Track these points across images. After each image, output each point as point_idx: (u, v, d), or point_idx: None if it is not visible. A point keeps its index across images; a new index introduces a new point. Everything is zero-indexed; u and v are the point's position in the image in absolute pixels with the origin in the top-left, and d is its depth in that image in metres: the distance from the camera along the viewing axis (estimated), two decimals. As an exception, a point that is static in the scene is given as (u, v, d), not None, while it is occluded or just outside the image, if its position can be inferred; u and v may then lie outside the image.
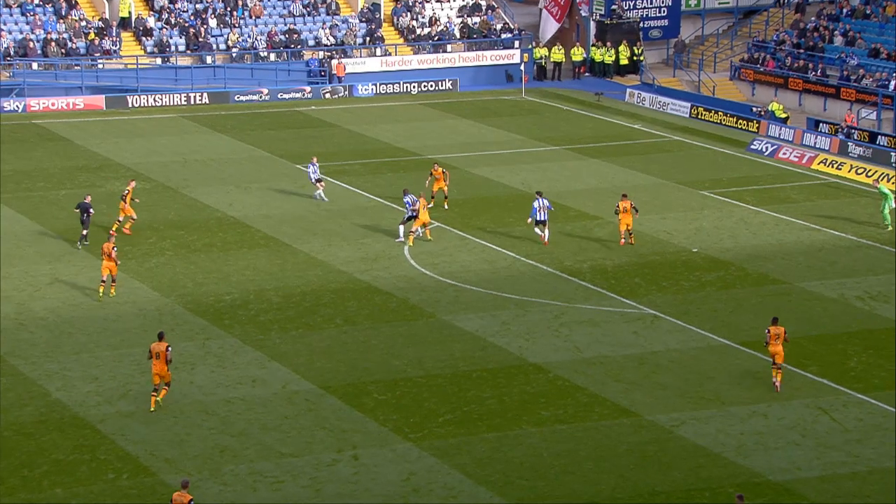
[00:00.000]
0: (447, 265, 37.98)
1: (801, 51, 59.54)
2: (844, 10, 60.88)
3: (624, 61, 65.56)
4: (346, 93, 62.78)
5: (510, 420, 27.83)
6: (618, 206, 38.86)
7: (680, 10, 67.02)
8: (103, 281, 34.43)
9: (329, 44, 64.87)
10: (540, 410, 28.29)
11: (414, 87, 63.37)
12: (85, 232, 38.42)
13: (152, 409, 27.81)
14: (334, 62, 63.62)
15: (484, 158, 50.67)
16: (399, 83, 63.30)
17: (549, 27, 67.59)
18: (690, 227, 40.96)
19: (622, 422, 27.61)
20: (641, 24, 66.32)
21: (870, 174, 46.72)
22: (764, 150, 51.08)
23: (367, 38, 65.61)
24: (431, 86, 63.59)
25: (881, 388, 28.90)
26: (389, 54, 65.01)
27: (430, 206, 41.79)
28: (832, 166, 48.19)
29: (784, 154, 50.18)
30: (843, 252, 38.55)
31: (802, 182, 46.89)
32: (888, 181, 42.04)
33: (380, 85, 63.10)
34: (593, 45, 66.31)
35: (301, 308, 34.53)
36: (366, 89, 63.00)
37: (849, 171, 47.45)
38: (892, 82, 53.68)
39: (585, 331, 32.82)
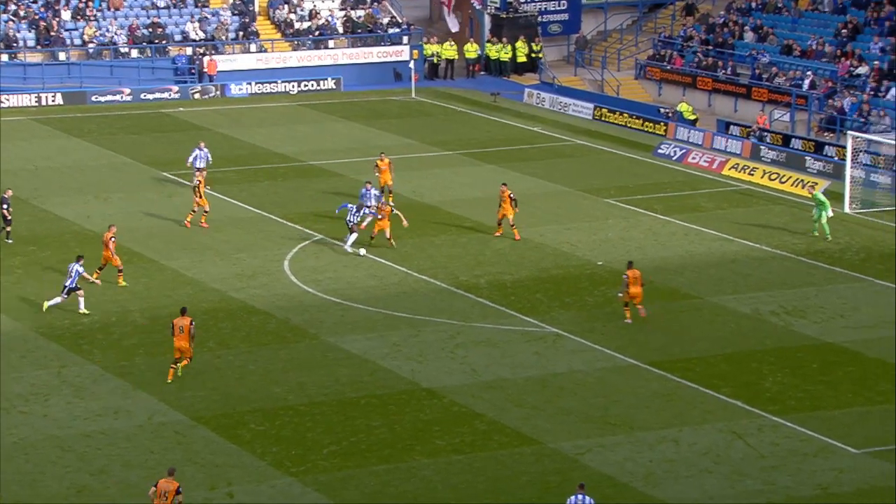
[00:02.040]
0: (332, 282, 37.84)
1: (710, 48, 60.68)
2: (755, 5, 62.25)
3: (521, 59, 66.12)
4: (218, 93, 62.27)
5: (401, 451, 27.79)
6: (501, 194, 39.65)
7: (581, 3, 67.84)
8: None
9: (198, 39, 64.29)
10: (434, 440, 28.30)
11: (293, 86, 63.12)
12: (9, 229, 40.05)
13: (170, 380, 30.26)
14: (205, 59, 63.08)
15: (371, 164, 50.65)
16: (276, 82, 62.99)
17: (452, 20, 67.79)
18: (595, 239, 41.41)
19: (523, 450, 27.75)
20: (540, 19, 66.96)
21: (783, 180, 47.77)
22: (672, 154, 51.92)
23: (241, 33, 65.19)
24: (312, 85, 63.39)
25: (798, 409, 29.51)
26: (265, 50, 64.68)
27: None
28: (744, 171, 49.17)
29: (693, 159, 51.07)
30: (757, 264, 39.33)
31: (713, 189, 47.76)
32: (815, 187, 42.86)
33: (255, 84, 62.71)
34: (488, 42, 66.76)
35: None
36: (240, 89, 62.55)
37: (761, 177, 48.46)
38: (807, 81, 55.00)
39: (483, 352, 32.94)
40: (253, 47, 64.62)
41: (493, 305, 35.99)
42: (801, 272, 38.44)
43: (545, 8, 67.23)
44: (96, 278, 36.13)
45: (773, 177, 48.18)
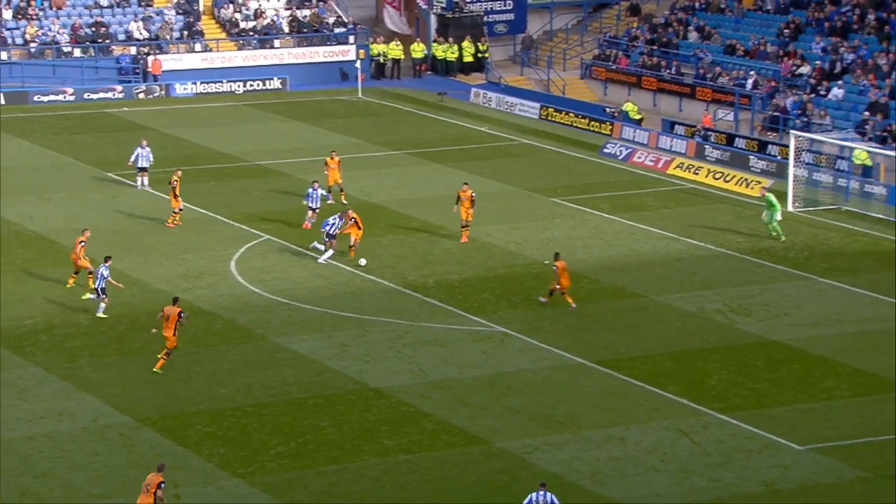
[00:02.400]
0: (279, 282, 37.70)
1: (655, 48, 61.04)
2: (698, 5, 62.67)
3: (468, 58, 66.18)
4: (163, 92, 61.85)
5: (349, 451, 27.74)
6: (458, 196, 39.58)
7: (526, 3, 68.02)
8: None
9: (142, 38, 63.84)
10: (382, 440, 28.26)
11: (238, 86, 62.82)
12: None
13: (156, 368, 30.84)
14: (149, 59, 62.64)
15: (317, 164, 50.48)
16: (222, 82, 62.68)
17: (394, 19, 67.67)
18: (542, 238, 41.53)
19: (471, 450, 27.79)
20: (486, 19, 67.06)
21: (728, 179, 48.14)
22: (618, 153, 52.18)
23: (185, 32, 64.79)
24: (258, 85, 63.13)
25: (743, 407, 29.75)
26: (210, 50, 64.33)
27: (329, 200, 42.76)
28: (689, 171, 49.50)
29: (639, 158, 51.35)
30: (702, 262, 39.60)
31: (658, 188, 48.04)
32: (766, 189, 43.03)
33: (200, 84, 62.36)
34: (434, 41, 66.78)
35: (114, 333, 33.81)
36: (185, 88, 62.18)
37: (706, 176, 48.80)
38: (750, 81, 55.45)
39: (431, 351, 32.95)
40: (198, 47, 64.25)
41: (440, 305, 36.01)
42: (746, 270, 38.75)
43: (491, 8, 67.34)
44: (72, 283, 36.09)
45: (718, 176, 48.54)
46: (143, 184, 46.12)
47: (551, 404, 29.91)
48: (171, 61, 62.98)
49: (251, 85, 62.92)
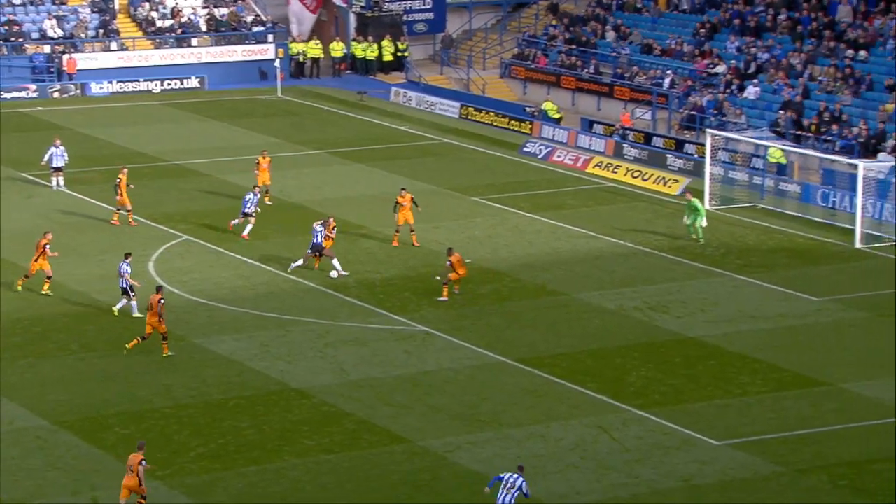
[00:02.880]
0: (198, 282, 37.44)
1: (573, 47, 61.46)
2: (615, 4, 63.19)
3: (388, 57, 66.18)
4: (78, 91, 61.13)
5: (270, 452, 27.63)
6: (396, 202, 39.48)
7: (446, 2, 68.14)
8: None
9: (56, 37, 63.02)
10: (303, 440, 28.19)
11: (156, 85, 62.27)
12: None
13: (128, 347, 31.76)
14: (64, 57, 61.87)
15: (237, 164, 50.19)
16: (139, 81, 62.10)
17: (305, 19, 67.47)
18: (463, 237, 41.65)
19: (393, 449, 27.81)
20: (405, 18, 67.08)
21: (646, 177, 48.62)
22: (538, 152, 52.48)
23: (101, 31, 64.08)
24: (176, 84, 62.61)
25: (661, 403, 30.07)
26: (126, 49, 63.69)
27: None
28: (608, 169, 49.92)
29: (559, 157, 51.68)
30: (621, 260, 39.96)
31: (578, 186, 48.39)
32: (691, 195, 43.34)
33: (116, 83, 61.73)
34: (354, 40, 66.69)
35: (30, 334, 33.38)
36: (101, 87, 61.51)
37: (625, 175, 49.25)
38: (667, 80, 56.03)
39: (352, 351, 32.92)
40: (113, 45, 63.57)
41: (362, 304, 35.99)
42: (664, 268, 39.17)
43: (410, 7, 67.38)
44: (21, 286, 35.74)
45: (636, 174, 49.00)
46: (58, 184, 45.62)
47: (473, 403, 30.02)
48: (86, 60, 62.25)
49: (168, 84, 62.39)
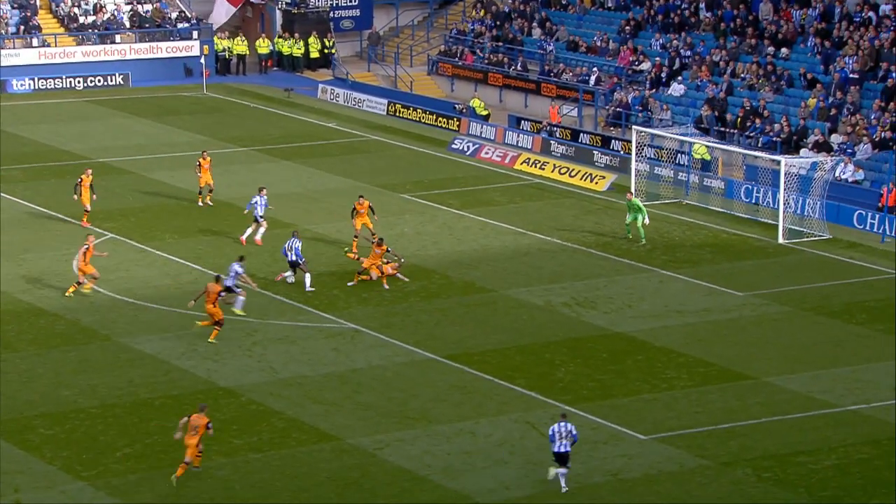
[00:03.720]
0: (124, 281, 37.11)
1: (500, 44, 61.67)
2: (540, 1, 63.47)
3: (314, 54, 66.00)
4: (-1, 88, 60.34)
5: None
6: (354, 208, 39.11)
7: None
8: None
9: (-22, 32, 62.12)
10: (231, 439, 28.06)
11: (79, 81, 61.60)
12: None
13: (211, 339, 32.33)
14: (-16, 54, 61.00)
15: (162, 161, 49.81)
16: (61, 77, 61.38)
17: (221, 12, 66.82)
18: (391, 234, 41.64)
19: (322, 447, 27.78)
20: (332, 14, 66.94)
21: (573, 174, 48.91)
22: (465, 149, 52.60)
23: (22, 27, 63.22)
24: (99, 81, 61.98)
25: (589, 398, 30.30)
26: (48, 45, 62.91)
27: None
28: (535, 166, 50.16)
29: (486, 154, 51.84)
30: (549, 256, 40.19)
31: (506, 183, 48.59)
32: (632, 194, 43.45)
33: (38, 80, 60.99)
34: (280, 37, 66.41)
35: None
36: (21, 84, 60.73)
37: (552, 171, 49.52)
38: (593, 77, 56.39)
39: (281, 349, 32.82)
40: (35, 42, 62.76)
41: (290, 302, 35.87)
42: (591, 264, 39.45)
43: (337, 3, 67.24)
44: (72, 292, 35.55)
45: (563, 171, 49.27)
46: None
47: (402, 400, 30.06)
48: (6, 57, 61.41)
49: (92, 81, 61.73)
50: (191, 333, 33.46)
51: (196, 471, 26.13)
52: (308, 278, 36.49)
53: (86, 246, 35.50)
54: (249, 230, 40.14)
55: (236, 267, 34.61)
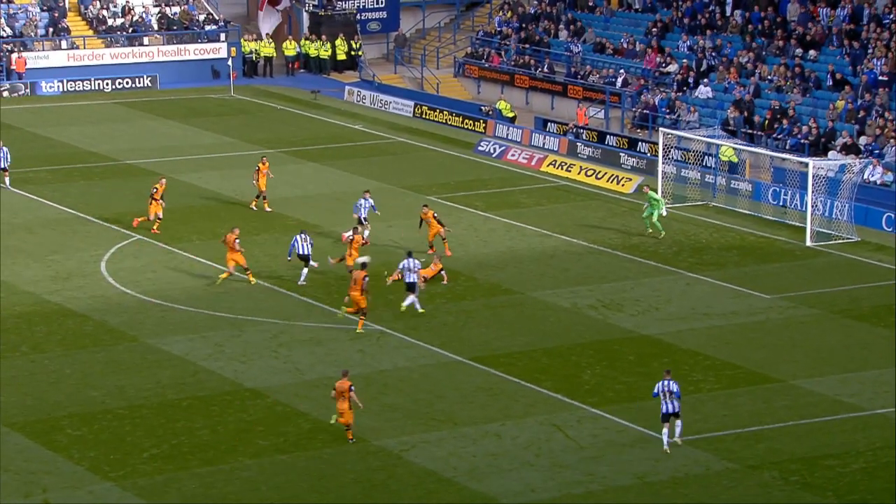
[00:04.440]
0: (151, 282, 37.25)
1: (527, 46, 61.64)
2: (567, 2, 63.41)
3: (341, 56, 66.12)
4: (28, 91, 60.66)
5: (224, 452, 27.55)
6: (420, 218, 39.28)
7: (399, 1, 68.16)
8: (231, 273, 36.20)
9: (6, 35, 62.47)
10: (257, 440, 28.13)
11: (107, 84, 61.88)
12: None
13: (359, 330, 33.29)
14: (13, 56, 61.33)
15: (190, 163, 49.99)
16: (90, 80, 61.68)
17: (272, 20, 67.12)
18: (417, 236, 41.65)
19: (348, 448, 27.81)
20: (358, 17, 67.03)
21: (599, 176, 48.84)
22: (492, 151, 52.59)
23: (51, 29, 63.58)
24: (127, 83, 62.26)
25: (615, 401, 30.23)
26: (77, 47, 63.23)
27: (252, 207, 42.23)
28: (562, 168, 50.10)
29: (512, 156, 51.81)
30: (575, 258, 40.13)
31: (532, 185, 48.55)
32: (649, 187, 43.31)
33: (67, 82, 61.30)
34: (307, 39, 66.57)
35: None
36: (51, 87, 61.06)
37: (578, 173, 49.45)
38: (620, 79, 56.31)
39: (307, 350, 32.87)
40: (64, 44, 63.10)
41: (316, 304, 35.93)
42: (617, 266, 39.37)
43: (363, 5, 67.34)
44: (225, 277, 36.46)
45: (590, 173, 49.21)
46: (5, 184, 45.31)
47: (428, 401, 30.06)
48: (36, 59, 61.76)
49: (120, 83, 62.01)
50: (218, 334, 33.57)
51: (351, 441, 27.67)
52: (305, 272, 36.67)
53: (234, 237, 36.40)
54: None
55: (411, 262, 34.79)
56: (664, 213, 41.00)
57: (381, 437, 28.24)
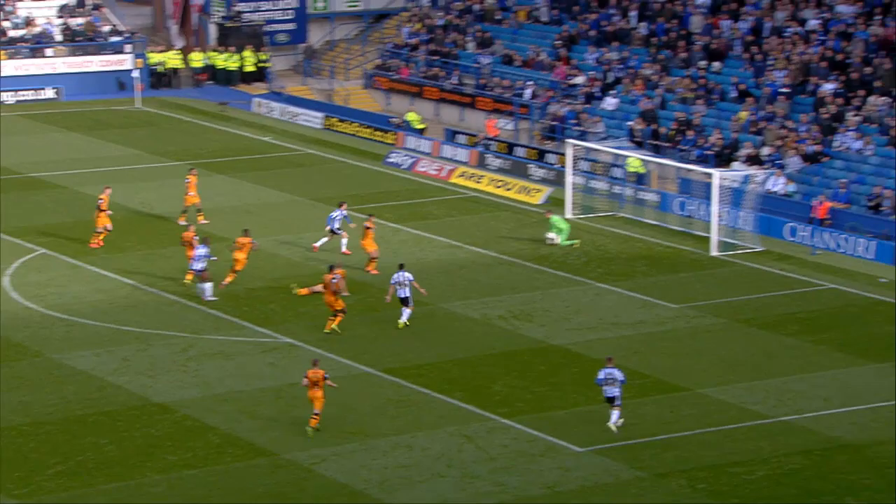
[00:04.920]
0: (56, 297, 36.72)
1: (436, 58, 61.83)
2: (477, 11, 63.65)
3: (249, 68, 65.77)
4: (-73, 102, 59.59)
5: (132, 468, 27.24)
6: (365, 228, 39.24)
7: (307, 13, 68.02)
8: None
9: None
10: (166, 455, 27.85)
11: (9, 96, 60.95)
12: None
13: (327, 331, 33.89)
14: (-87, 67, 60.21)
15: (96, 176, 49.38)
16: (-8, 91, 60.71)
17: (176, 30, 66.67)
18: (332, 245, 41.55)
19: (258, 462, 27.63)
20: (266, 28, 66.76)
21: (509, 187, 49.12)
22: (401, 163, 52.64)
23: (-49, 40, 62.53)
24: (30, 95, 61.35)
25: (526, 411, 30.38)
26: (-21, 58, 62.20)
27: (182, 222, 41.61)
28: (471, 179, 50.30)
29: (422, 167, 51.91)
30: (485, 269, 40.29)
31: (442, 196, 48.67)
32: (550, 213, 43.39)
33: (-31, 93, 60.29)
34: (214, 51, 66.13)
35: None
36: (-48, 98, 60.03)
37: (488, 184, 49.68)
38: (528, 91, 56.69)
39: (216, 364, 32.62)
40: (-34, 55, 62.08)
41: (225, 317, 35.68)
42: (527, 277, 39.60)
43: (271, 17, 67.08)
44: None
45: (499, 184, 49.46)
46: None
47: (339, 414, 29.98)
48: (-64, 70, 60.68)
49: (23, 95, 61.10)
50: (124, 349, 33.17)
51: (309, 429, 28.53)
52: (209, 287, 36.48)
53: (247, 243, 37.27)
54: (324, 240, 40.11)
55: (407, 275, 34.95)
56: (567, 240, 41.21)
57: (291, 451, 28.11)
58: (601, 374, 28.98)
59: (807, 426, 29.66)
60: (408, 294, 34.76)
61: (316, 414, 28.66)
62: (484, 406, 30.50)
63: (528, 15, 62.61)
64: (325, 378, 28.66)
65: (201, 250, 36.67)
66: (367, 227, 39.30)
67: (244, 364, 32.66)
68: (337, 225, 40.34)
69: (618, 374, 28.90)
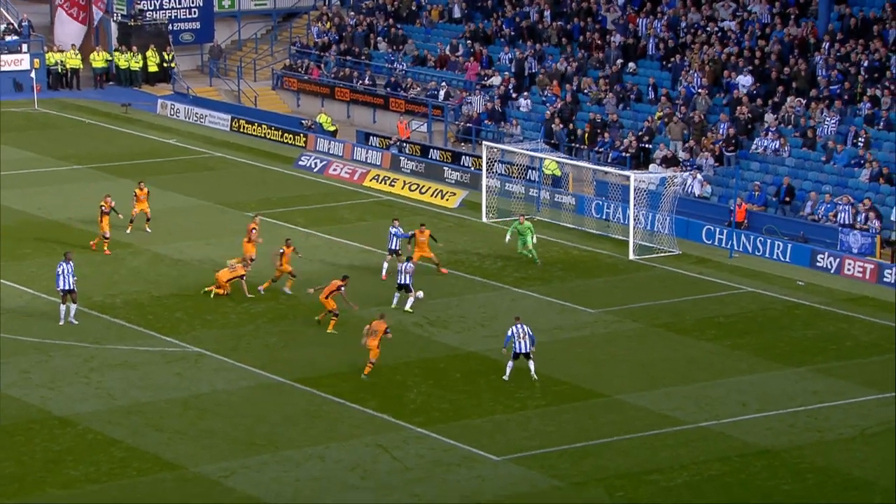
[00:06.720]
0: (-50, 307, 36.11)
1: (347, 58, 61.73)
2: (389, 9, 63.65)
3: (153, 68, 65.17)
4: None
5: (31, 484, 26.87)
6: (413, 235, 39.27)
7: (213, 11, 67.56)
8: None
9: None
10: (67, 470, 27.51)
11: None
12: None
13: (319, 320, 35.11)
14: None
15: (-8, 180, 48.66)
16: None
17: (71, 29, 65.83)
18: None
19: (164, 476, 27.40)
20: (170, 27, 66.21)
21: (423, 190, 49.18)
22: (313, 166, 52.48)
23: None
24: (-77, 96, 60.32)
25: (441, 420, 30.45)
26: None
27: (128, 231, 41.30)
28: (385, 182, 50.29)
29: (334, 170, 51.81)
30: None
31: (355, 200, 48.61)
32: (522, 218, 43.10)
33: None
34: (116, 50, 65.46)
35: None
36: None
37: (402, 188, 49.71)
38: (442, 92, 56.81)
39: (120, 375, 32.29)
40: None
41: (130, 326, 35.33)
42: (442, 282, 39.67)
43: (176, 16, 66.52)
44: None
45: (414, 187, 49.51)
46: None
47: (248, 425, 29.81)
48: None
49: (-84, 96, 60.04)
50: (23, 360, 32.69)
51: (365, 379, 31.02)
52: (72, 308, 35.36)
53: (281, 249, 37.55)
54: (386, 265, 39.39)
55: (407, 266, 36.53)
56: (534, 241, 40.97)
57: (199, 464, 27.90)
58: (511, 331, 31.28)
59: (725, 432, 30.05)
60: (407, 281, 36.68)
61: (371, 362, 31.50)
62: (399, 415, 30.52)
63: (441, 14, 62.73)
64: (386, 332, 31.40)
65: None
66: (415, 236, 39.45)
67: (149, 374, 32.36)
68: (396, 244, 39.47)
69: (528, 330, 31.50)
